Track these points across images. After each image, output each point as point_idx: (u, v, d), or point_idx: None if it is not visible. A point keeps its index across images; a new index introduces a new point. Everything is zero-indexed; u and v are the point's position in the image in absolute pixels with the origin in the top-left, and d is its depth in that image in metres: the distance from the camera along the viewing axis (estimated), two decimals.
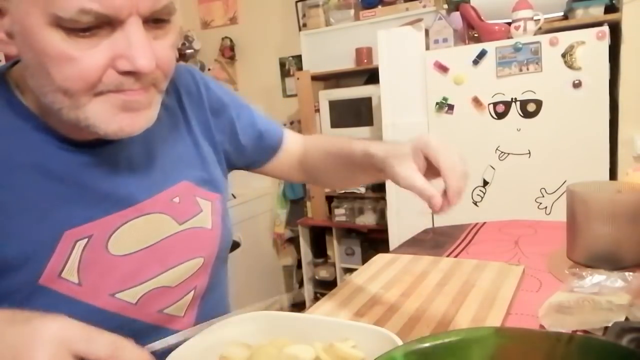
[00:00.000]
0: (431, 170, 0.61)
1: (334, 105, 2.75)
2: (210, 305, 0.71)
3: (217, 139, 0.75)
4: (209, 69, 3.30)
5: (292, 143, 0.85)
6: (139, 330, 0.60)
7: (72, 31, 0.47)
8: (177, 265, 0.65)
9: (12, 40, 0.51)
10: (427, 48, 2.21)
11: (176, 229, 0.65)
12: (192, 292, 0.68)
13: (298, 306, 3.16)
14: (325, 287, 2.87)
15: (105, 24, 0.48)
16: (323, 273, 3.01)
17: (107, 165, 0.60)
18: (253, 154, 0.81)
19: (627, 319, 0.63)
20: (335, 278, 2.94)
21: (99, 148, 0.60)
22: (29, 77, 0.53)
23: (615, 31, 1.95)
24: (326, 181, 0.92)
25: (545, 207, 2.05)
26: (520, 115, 2.04)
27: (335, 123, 2.76)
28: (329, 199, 2.89)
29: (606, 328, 0.60)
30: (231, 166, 0.81)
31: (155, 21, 0.52)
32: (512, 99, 2.04)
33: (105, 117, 0.52)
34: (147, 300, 0.62)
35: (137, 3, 0.48)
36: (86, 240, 0.58)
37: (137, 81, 0.52)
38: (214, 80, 0.78)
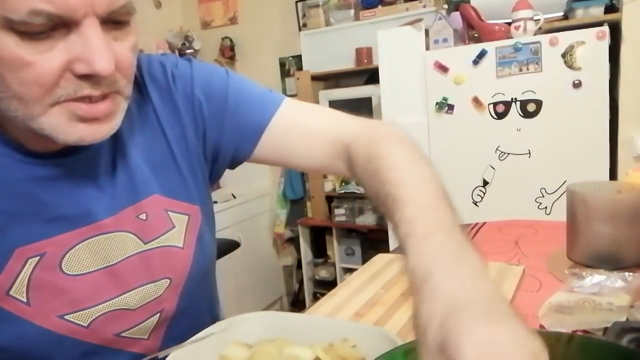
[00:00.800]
0: None
1: (334, 105, 2.75)
2: (183, 327, 0.65)
3: (195, 142, 0.66)
4: None
5: (293, 123, 0.68)
6: (92, 352, 0.57)
7: (25, 34, 0.44)
8: (138, 286, 0.61)
9: None
10: (427, 48, 2.21)
11: (140, 248, 0.61)
12: (158, 315, 0.63)
13: (298, 306, 3.16)
14: (325, 287, 2.87)
15: (60, 25, 0.45)
16: (323, 273, 3.01)
17: (68, 180, 0.56)
18: (229, 145, 0.68)
19: (627, 319, 0.63)
20: (335, 278, 2.94)
21: (61, 160, 0.56)
22: None
23: (615, 31, 1.95)
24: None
25: (545, 207, 2.05)
26: (520, 115, 2.04)
27: None
28: (329, 199, 2.89)
29: (606, 328, 0.60)
30: (225, 165, 0.72)
31: (114, 22, 0.49)
32: (512, 99, 2.04)
33: (62, 128, 0.49)
34: (101, 323, 0.58)
35: (93, 3, 0.45)
36: (38, 258, 0.54)
37: (96, 85, 0.48)
38: (189, 68, 0.66)
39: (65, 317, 0.56)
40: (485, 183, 2.14)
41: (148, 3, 3.17)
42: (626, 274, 0.77)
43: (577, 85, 1.92)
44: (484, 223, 1.25)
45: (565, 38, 1.91)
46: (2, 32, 0.44)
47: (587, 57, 1.89)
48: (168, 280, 0.62)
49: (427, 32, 2.22)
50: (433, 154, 2.23)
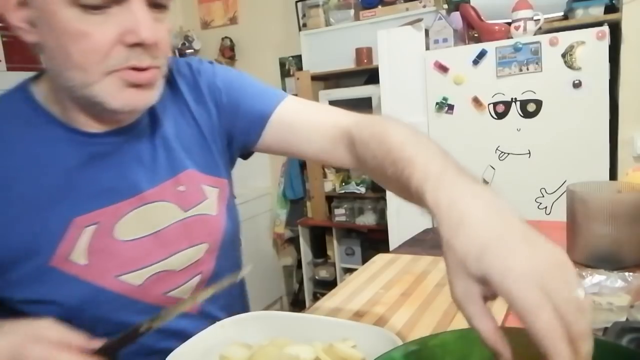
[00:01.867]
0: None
1: (334, 105, 2.74)
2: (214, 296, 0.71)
3: (218, 125, 0.75)
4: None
5: (295, 114, 0.74)
6: (143, 311, 0.62)
7: (86, 8, 0.53)
8: (181, 250, 0.68)
9: (33, 29, 0.57)
10: (427, 48, 2.21)
11: (181, 216, 0.69)
12: (199, 277, 0.71)
13: (298, 306, 3.16)
14: (325, 287, 2.87)
15: (113, 2, 0.54)
16: (323, 273, 3.01)
17: (115, 157, 0.65)
18: (241, 132, 0.76)
19: (627, 319, 0.63)
20: (335, 278, 2.94)
21: (109, 139, 0.65)
22: (48, 62, 0.59)
23: (615, 31, 1.95)
24: (377, 180, 0.68)
25: (545, 207, 2.05)
26: (520, 115, 2.04)
27: None
28: (329, 199, 2.89)
29: (606, 328, 0.60)
30: (238, 151, 0.79)
31: (155, 6, 0.58)
32: (512, 99, 2.04)
33: (112, 93, 0.58)
34: (152, 283, 0.65)
35: None
36: (94, 226, 0.62)
37: (142, 56, 0.57)
38: (211, 65, 0.77)
39: (120, 277, 0.63)
40: (485, 183, 2.14)
41: None
42: (626, 274, 0.77)
43: (577, 85, 1.92)
44: None
45: (565, 38, 1.91)
46: (67, 7, 0.53)
47: (587, 57, 1.89)
48: (206, 245, 0.71)
49: (427, 32, 2.22)
50: None
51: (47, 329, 0.49)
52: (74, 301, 0.61)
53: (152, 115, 0.70)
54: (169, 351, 0.59)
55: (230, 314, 0.70)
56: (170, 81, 0.72)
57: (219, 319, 0.68)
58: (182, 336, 0.63)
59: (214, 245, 0.72)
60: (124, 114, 0.63)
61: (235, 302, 0.80)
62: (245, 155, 0.82)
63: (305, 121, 0.73)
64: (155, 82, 0.62)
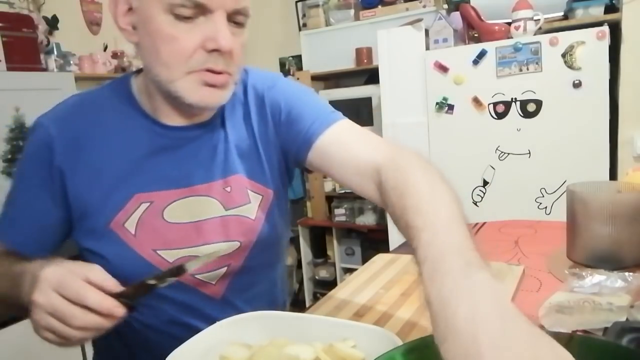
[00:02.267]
0: None
1: (334, 105, 2.70)
2: (243, 283, 0.80)
3: (274, 140, 0.81)
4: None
5: (337, 144, 0.75)
6: (173, 287, 0.66)
7: (178, 17, 0.64)
8: (215, 242, 0.75)
9: (135, 32, 0.68)
10: (427, 48, 2.21)
11: (221, 213, 0.77)
12: (225, 268, 0.77)
13: (298, 306, 3.16)
14: (325, 287, 2.87)
15: (200, 13, 0.65)
16: (323, 273, 3.01)
17: (179, 151, 0.75)
18: (292, 150, 0.79)
19: (627, 319, 0.63)
20: (335, 278, 2.94)
21: (180, 135, 0.76)
22: (143, 59, 0.70)
23: (615, 31, 1.95)
24: None
25: (545, 207, 2.05)
26: (520, 115, 2.04)
27: None
28: (329, 199, 2.89)
29: (606, 328, 0.60)
30: (294, 165, 0.85)
31: (234, 21, 0.68)
32: (512, 99, 2.04)
33: (191, 89, 0.68)
34: (182, 262, 0.68)
35: (225, 2, 0.65)
36: (148, 204, 0.73)
37: (218, 61, 0.67)
38: (279, 81, 0.83)
39: (158, 251, 0.73)
40: (485, 183, 2.14)
41: None
42: (626, 274, 0.77)
43: (577, 85, 1.92)
44: (484, 223, 1.25)
45: (565, 38, 1.91)
46: (163, 14, 0.64)
47: (587, 57, 1.89)
48: (239, 243, 0.77)
49: (427, 32, 2.22)
50: (433, 154, 2.23)
51: (91, 270, 0.58)
52: (118, 261, 0.71)
53: (222, 119, 0.79)
54: (187, 325, 0.73)
55: (254, 307, 0.72)
56: (244, 90, 0.81)
57: (240, 309, 0.74)
58: (203, 315, 0.75)
59: (247, 245, 0.78)
60: (199, 109, 0.73)
61: (261, 298, 0.84)
62: (299, 166, 0.85)
63: (343, 152, 0.74)
64: (227, 85, 0.71)
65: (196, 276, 0.75)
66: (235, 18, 0.68)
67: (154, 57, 0.68)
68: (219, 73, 0.68)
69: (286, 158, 0.83)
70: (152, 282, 0.58)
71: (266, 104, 0.81)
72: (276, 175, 0.83)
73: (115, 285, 0.58)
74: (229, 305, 0.77)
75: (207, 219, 0.76)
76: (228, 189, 0.77)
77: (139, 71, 0.78)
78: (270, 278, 0.86)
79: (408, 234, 0.51)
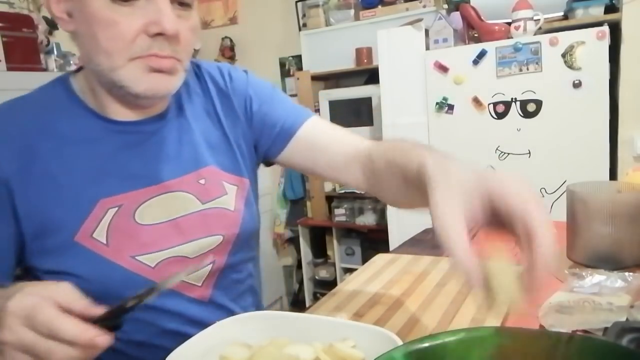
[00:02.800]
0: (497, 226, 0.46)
1: (334, 105, 2.75)
2: (229, 281, 0.77)
3: (244, 132, 0.81)
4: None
5: (320, 132, 0.80)
6: (158, 295, 0.63)
7: (115, 0, 0.60)
8: (196, 239, 0.72)
9: (71, 19, 0.64)
10: (427, 48, 2.21)
11: (199, 207, 0.73)
12: (210, 266, 0.74)
13: (298, 306, 3.16)
14: (325, 287, 2.87)
15: (141, 2, 0.61)
16: (323, 273, 3.01)
17: (143, 147, 0.71)
18: (266, 142, 0.82)
19: (627, 319, 0.63)
20: (335, 278, 2.94)
21: (138, 129, 0.71)
22: (82, 49, 0.66)
23: (615, 31, 1.95)
24: (387, 196, 0.74)
25: (545, 207, 2.05)
26: (520, 115, 2.04)
27: (335, 123, 2.73)
28: (329, 199, 2.89)
29: (606, 328, 0.60)
30: (261, 158, 0.85)
31: (179, 3, 0.65)
32: (512, 99, 2.04)
33: (136, 77, 0.64)
34: (165, 266, 0.69)
35: None
36: (117, 208, 0.68)
37: (163, 46, 0.63)
38: (244, 74, 0.84)
39: (136, 257, 0.68)
40: None
41: None
42: (626, 274, 0.77)
43: (577, 85, 1.92)
44: None
45: (565, 38, 1.91)
46: None
47: (587, 57, 1.89)
48: (221, 237, 0.74)
49: (427, 32, 2.22)
50: None
51: (59, 292, 0.49)
52: (92, 276, 0.66)
53: (180, 111, 0.76)
54: (177, 333, 0.68)
55: (241, 305, 0.77)
56: (200, 82, 0.79)
57: (228, 309, 0.75)
58: (191, 321, 0.71)
59: (229, 238, 0.76)
60: (147, 99, 0.68)
61: (246, 294, 0.82)
62: (267, 163, 0.87)
63: (327, 139, 0.79)
64: (176, 71, 0.67)
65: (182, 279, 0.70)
66: None
67: (93, 45, 0.63)
68: (165, 57, 0.64)
69: (256, 149, 0.83)
70: (131, 303, 0.50)
71: (231, 94, 0.80)
72: (248, 164, 0.82)
73: (88, 305, 0.49)
74: (218, 307, 0.75)
75: (185, 215, 0.72)
76: (202, 181, 0.74)
77: (77, 70, 0.74)
78: (251, 272, 0.84)
79: (410, 158, 0.59)
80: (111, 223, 0.67)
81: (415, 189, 0.56)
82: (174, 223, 0.71)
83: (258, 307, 0.86)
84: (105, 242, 0.67)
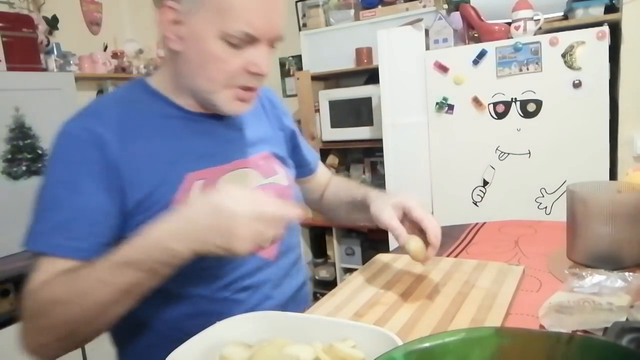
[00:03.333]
0: (411, 226, 0.86)
1: (334, 105, 2.75)
2: (286, 244, 0.91)
3: (285, 138, 1.02)
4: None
5: (322, 175, 1.14)
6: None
7: (229, 43, 0.74)
8: None
9: (180, 42, 0.76)
10: (427, 48, 2.21)
11: (263, 181, 0.89)
12: None
13: None
14: (325, 287, 2.87)
15: (248, 43, 0.75)
16: (323, 273, 3.01)
17: (213, 133, 0.86)
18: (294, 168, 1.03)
19: (627, 319, 0.63)
20: (335, 278, 2.94)
21: (209, 121, 0.86)
22: (181, 66, 0.79)
23: (615, 31, 1.95)
24: (331, 216, 1.17)
25: (545, 207, 2.05)
26: (520, 115, 2.04)
27: (335, 123, 2.76)
28: None
29: (606, 328, 0.60)
30: None
31: (272, 45, 0.79)
32: (512, 99, 2.04)
33: (225, 102, 0.80)
34: None
35: (270, 34, 0.77)
36: (202, 181, 0.81)
37: (254, 81, 0.79)
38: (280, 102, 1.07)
39: None
40: (485, 183, 2.14)
41: (148, 3, 3.17)
42: (626, 274, 0.77)
43: (577, 85, 1.92)
44: (484, 223, 1.25)
45: (565, 38, 1.91)
46: (217, 39, 0.74)
47: (587, 57, 1.89)
48: None
49: (427, 32, 2.22)
50: (433, 154, 2.23)
51: (257, 208, 0.66)
52: None
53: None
54: (247, 288, 0.83)
55: (297, 270, 0.95)
56: (261, 95, 0.99)
57: (289, 273, 0.90)
58: (259, 278, 0.85)
59: None
60: (226, 114, 0.85)
61: (299, 263, 0.98)
62: None
63: (319, 178, 1.14)
64: (254, 99, 0.84)
65: None
66: (273, 44, 0.79)
67: (199, 71, 0.77)
68: (252, 89, 0.80)
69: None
70: None
71: (279, 113, 1.02)
72: (291, 161, 1.02)
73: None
74: (280, 268, 0.88)
75: (254, 187, 0.87)
76: (262, 162, 0.90)
77: (148, 74, 0.89)
78: (299, 240, 1.01)
79: (354, 195, 1.01)
80: (200, 193, 0.80)
81: (357, 209, 0.98)
82: None
83: (304, 282, 0.99)
84: None
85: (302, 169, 1.07)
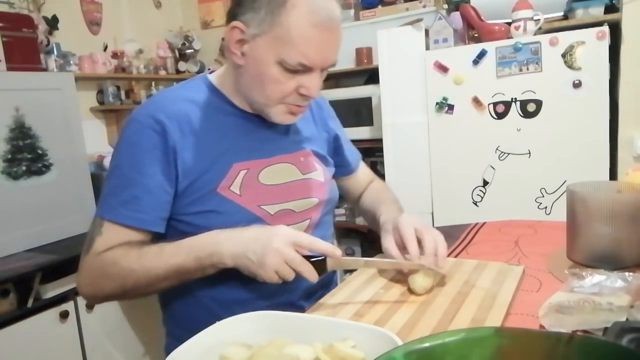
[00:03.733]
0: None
1: (334, 105, 2.70)
2: (319, 234, 0.95)
3: (327, 139, 1.11)
4: (209, 69, 3.30)
5: (362, 175, 1.21)
6: None
7: (286, 69, 0.83)
8: (300, 198, 0.96)
9: (243, 58, 0.86)
10: (427, 48, 2.21)
11: (300, 176, 0.98)
12: (308, 221, 0.98)
13: None
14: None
15: (303, 71, 0.84)
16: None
17: (261, 132, 0.95)
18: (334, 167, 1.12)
19: (627, 319, 0.63)
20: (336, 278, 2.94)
21: (259, 121, 0.95)
22: (242, 78, 0.89)
23: (615, 31, 1.95)
24: (366, 220, 1.22)
25: (545, 207, 2.05)
26: (520, 115, 2.04)
27: None
28: None
29: (606, 328, 0.60)
30: None
31: (322, 69, 0.87)
32: (512, 99, 2.04)
33: (277, 115, 0.90)
34: (280, 215, 0.92)
35: (324, 64, 0.85)
36: (246, 170, 0.91)
37: (304, 100, 0.89)
38: (328, 106, 1.17)
39: (262, 206, 0.91)
40: (485, 183, 2.14)
41: (148, 3, 3.17)
42: (626, 274, 0.77)
43: (577, 85, 1.92)
44: (484, 223, 1.26)
45: (565, 38, 1.91)
46: (274, 64, 0.83)
47: (587, 57, 1.89)
48: (316, 200, 0.99)
49: (427, 32, 2.22)
50: (433, 154, 2.23)
51: (297, 234, 0.80)
52: (230, 215, 0.87)
53: None
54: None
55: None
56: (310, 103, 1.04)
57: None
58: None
59: (321, 201, 1.00)
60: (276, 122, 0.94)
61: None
62: None
63: (360, 178, 1.21)
64: (303, 112, 0.94)
65: (290, 226, 0.88)
66: (326, 69, 0.88)
67: (257, 87, 0.87)
68: (301, 106, 0.90)
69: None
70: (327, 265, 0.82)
71: (325, 116, 1.11)
72: (331, 161, 1.10)
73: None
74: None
75: (292, 181, 0.96)
76: (302, 159, 0.99)
77: (210, 71, 1.00)
78: (332, 232, 1.10)
79: (376, 212, 1.08)
80: (243, 181, 0.90)
81: (376, 225, 1.04)
82: (285, 186, 0.95)
83: (334, 272, 1.07)
84: (239, 193, 0.89)
85: (342, 169, 1.16)
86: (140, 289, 0.84)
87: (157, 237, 0.88)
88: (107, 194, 0.87)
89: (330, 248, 0.80)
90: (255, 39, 0.83)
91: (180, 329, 0.93)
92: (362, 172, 1.22)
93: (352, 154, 1.18)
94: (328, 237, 1.06)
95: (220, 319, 0.66)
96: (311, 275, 0.78)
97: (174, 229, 0.90)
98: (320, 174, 1.02)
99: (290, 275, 0.77)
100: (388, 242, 0.92)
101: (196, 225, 0.87)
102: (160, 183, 0.85)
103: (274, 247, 0.76)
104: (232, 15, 0.85)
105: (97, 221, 0.87)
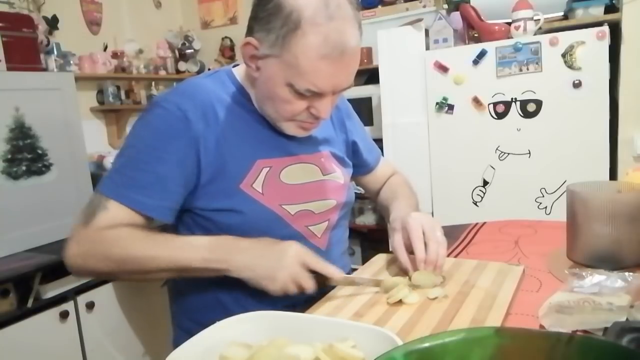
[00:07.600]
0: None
1: None
2: (336, 237, 1.01)
3: (347, 144, 1.10)
4: (209, 69, 3.30)
5: (382, 172, 1.21)
6: (290, 235, 0.88)
7: (296, 92, 0.82)
8: (319, 200, 0.96)
9: (257, 72, 0.86)
10: (427, 48, 2.21)
11: (321, 177, 0.98)
12: (327, 222, 0.98)
13: None
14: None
15: (314, 97, 0.84)
16: None
17: (282, 133, 0.93)
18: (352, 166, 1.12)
19: (627, 319, 0.63)
20: None
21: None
22: (256, 88, 0.89)
23: (615, 31, 1.95)
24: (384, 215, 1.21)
25: (545, 207, 2.05)
26: (520, 115, 2.04)
27: None
28: None
29: (606, 328, 0.60)
30: None
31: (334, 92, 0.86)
32: (512, 99, 2.04)
33: (289, 129, 0.90)
34: (300, 215, 0.92)
35: (335, 90, 0.85)
36: (268, 168, 0.91)
37: (315, 120, 0.88)
38: (346, 105, 1.15)
39: (283, 205, 0.91)
40: (485, 183, 2.14)
41: (148, 3, 3.17)
42: (626, 274, 0.77)
43: (577, 85, 1.92)
44: (484, 223, 1.25)
45: (565, 38, 1.91)
46: (284, 86, 0.82)
47: (587, 57, 1.89)
48: (334, 201, 0.99)
49: (427, 32, 2.22)
50: (433, 154, 2.23)
51: (306, 254, 0.81)
52: (251, 214, 0.87)
53: None
54: None
55: (343, 262, 1.03)
56: None
57: (336, 262, 0.89)
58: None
59: (339, 203, 1.00)
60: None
61: (345, 254, 1.11)
62: None
63: (379, 174, 1.21)
64: (315, 127, 0.93)
65: (308, 227, 0.94)
66: (338, 92, 0.87)
67: (269, 102, 0.87)
68: (312, 123, 0.89)
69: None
70: (332, 283, 0.85)
71: (343, 117, 1.09)
72: (350, 163, 1.10)
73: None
74: (330, 256, 0.93)
75: (312, 182, 0.96)
76: (322, 159, 1.00)
77: (234, 65, 0.99)
78: (348, 235, 1.12)
79: (389, 205, 1.09)
80: (265, 179, 0.89)
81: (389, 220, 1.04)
82: (304, 186, 0.95)
83: (349, 271, 1.06)
84: (261, 191, 0.89)
85: (360, 169, 1.16)
86: (135, 274, 0.84)
87: (166, 227, 0.88)
88: (116, 172, 0.85)
89: (336, 273, 0.83)
90: (267, 59, 0.82)
91: (191, 323, 0.92)
92: (382, 169, 1.21)
93: (371, 153, 1.17)
94: (344, 240, 1.08)
95: (232, 314, 0.66)
96: (312, 289, 0.81)
97: (193, 222, 0.89)
98: (340, 175, 1.02)
99: (295, 291, 0.80)
100: (396, 241, 0.92)
101: (215, 222, 0.87)
102: (174, 173, 0.84)
103: (285, 265, 0.78)
104: (249, 28, 0.84)
105: (99, 196, 0.84)
